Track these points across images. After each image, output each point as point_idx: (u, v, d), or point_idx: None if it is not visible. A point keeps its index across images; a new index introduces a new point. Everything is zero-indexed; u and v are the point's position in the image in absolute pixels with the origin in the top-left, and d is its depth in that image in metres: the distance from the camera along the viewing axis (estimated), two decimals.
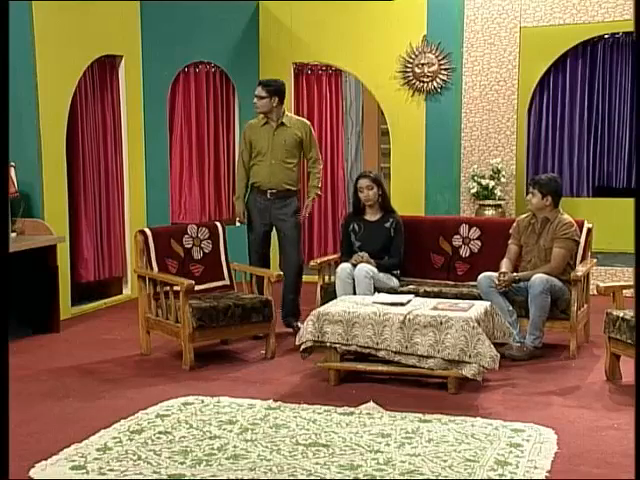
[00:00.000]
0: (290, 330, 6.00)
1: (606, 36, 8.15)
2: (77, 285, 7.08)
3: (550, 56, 7.82)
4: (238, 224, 7.07)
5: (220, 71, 8.45)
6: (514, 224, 5.79)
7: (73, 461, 3.61)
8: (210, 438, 3.89)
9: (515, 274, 5.52)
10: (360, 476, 3.43)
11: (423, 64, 7.94)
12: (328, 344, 4.84)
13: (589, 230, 5.78)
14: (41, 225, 6.25)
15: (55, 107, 6.57)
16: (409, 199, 7.86)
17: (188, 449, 3.75)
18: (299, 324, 5.66)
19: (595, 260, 6.02)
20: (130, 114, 7.52)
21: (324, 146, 8.87)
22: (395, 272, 5.92)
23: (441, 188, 8.03)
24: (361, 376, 4.89)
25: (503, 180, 7.73)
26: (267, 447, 3.76)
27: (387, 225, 5.95)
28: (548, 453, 3.68)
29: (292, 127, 6.00)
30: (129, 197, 7.57)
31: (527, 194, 5.81)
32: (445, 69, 7.93)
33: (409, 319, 4.68)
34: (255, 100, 5.96)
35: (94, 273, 7.18)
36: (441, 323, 4.62)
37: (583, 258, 5.71)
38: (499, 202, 7.72)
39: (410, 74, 8.01)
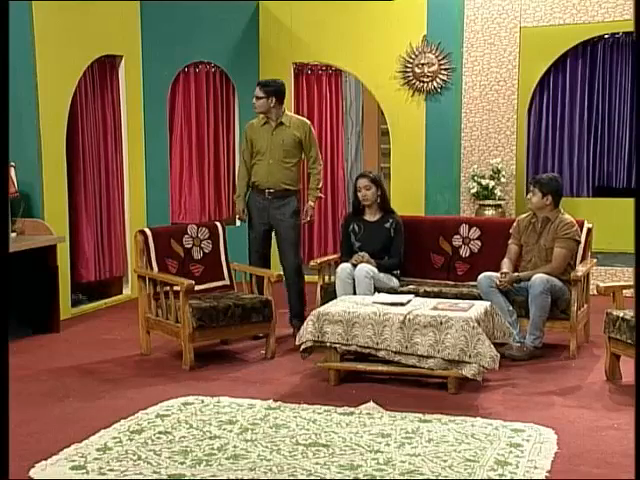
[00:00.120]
0: (290, 330, 6.00)
1: (606, 36, 8.14)
2: (77, 285, 7.09)
3: (550, 56, 7.82)
4: (238, 224, 7.08)
5: (220, 71, 8.45)
6: (514, 224, 5.79)
7: (73, 461, 3.61)
8: (210, 438, 3.89)
9: (516, 274, 5.52)
10: (360, 476, 3.43)
11: (423, 64, 7.94)
12: (328, 344, 4.84)
13: (589, 230, 5.78)
14: (41, 225, 6.25)
15: (55, 107, 6.57)
16: (409, 199, 7.86)
17: (188, 449, 3.75)
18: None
19: (595, 260, 6.02)
20: (130, 114, 7.52)
21: (324, 146, 8.87)
22: (395, 272, 5.92)
23: (441, 188, 8.03)
24: (361, 376, 4.89)
25: (503, 180, 7.73)
26: (267, 447, 3.76)
27: (387, 225, 5.95)
28: (548, 453, 3.68)
29: (291, 127, 5.99)
30: (129, 197, 7.57)
31: (527, 193, 5.81)
32: (445, 69, 7.93)
33: (409, 319, 4.68)
34: (254, 100, 5.98)
35: (94, 273, 7.19)
36: (441, 323, 4.62)
37: (583, 258, 5.71)
38: (499, 202, 7.72)
39: (410, 74, 8.01)
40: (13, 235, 6.02)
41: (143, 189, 7.74)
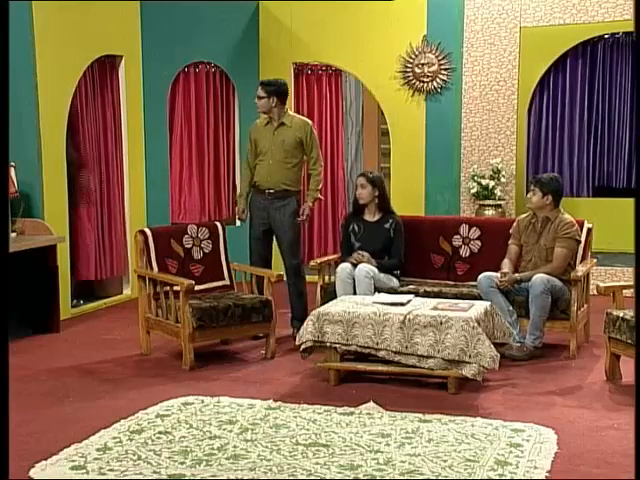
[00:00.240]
0: (290, 330, 5.99)
1: (606, 36, 8.13)
2: (78, 284, 7.09)
3: (550, 56, 7.82)
4: (238, 223, 7.07)
5: (220, 71, 8.44)
6: (514, 224, 5.79)
7: (73, 461, 3.61)
8: (210, 438, 3.89)
9: (517, 275, 5.51)
10: (360, 476, 3.43)
11: (423, 64, 7.94)
12: (328, 344, 4.84)
13: (589, 230, 5.78)
14: (41, 225, 6.25)
15: (55, 107, 6.57)
16: (409, 199, 7.86)
17: (188, 449, 3.75)
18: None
19: (595, 260, 6.02)
20: (130, 114, 7.52)
21: (324, 146, 8.86)
22: (395, 272, 5.92)
23: (441, 188, 8.03)
24: (361, 376, 4.89)
25: (503, 180, 7.73)
26: (267, 447, 3.77)
27: (387, 226, 5.95)
28: (548, 453, 3.69)
29: (293, 127, 5.98)
30: (129, 197, 7.57)
31: (527, 193, 5.81)
32: (445, 69, 7.93)
33: (409, 319, 4.68)
34: (255, 100, 5.98)
35: (95, 272, 7.19)
36: (441, 323, 4.62)
37: (583, 258, 5.71)
38: (499, 202, 7.72)
39: (410, 74, 8.01)
40: (13, 235, 6.02)
41: (143, 189, 7.75)
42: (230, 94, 8.56)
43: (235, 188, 8.64)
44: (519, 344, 5.35)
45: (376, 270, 5.68)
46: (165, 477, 3.44)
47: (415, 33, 7.95)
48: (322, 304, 5.36)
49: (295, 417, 4.19)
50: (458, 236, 6.14)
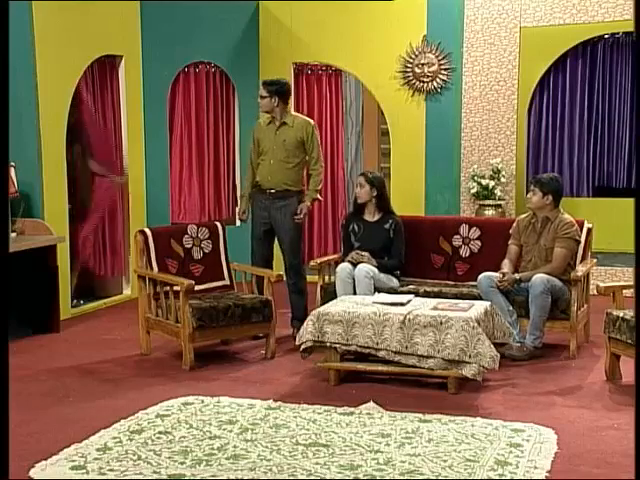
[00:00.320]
0: (290, 331, 5.99)
1: (606, 36, 8.13)
2: (77, 286, 7.10)
3: (550, 56, 7.82)
4: (238, 223, 7.06)
5: (220, 71, 8.44)
6: (514, 224, 5.79)
7: (73, 461, 3.61)
8: (210, 438, 3.89)
9: (517, 275, 5.51)
10: (360, 476, 3.43)
11: (423, 64, 7.94)
12: (328, 344, 4.84)
13: (589, 230, 5.78)
14: (41, 225, 6.25)
15: (55, 107, 6.57)
16: (409, 199, 7.86)
17: (188, 449, 3.75)
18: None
19: (595, 260, 6.02)
20: (130, 114, 7.52)
21: (324, 146, 8.84)
22: (395, 273, 5.92)
23: (441, 188, 8.03)
24: (361, 376, 4.89)
25: (503, 180, 7.73)
26: (267, 447, 3.77)
27: (386, 227, 5.95)
28: (548, 453, 3.69)
29: (294, 127, 5.98)
30: (129, 197, 7.56)
31: (527, 193, 5.81)
32: (445, 69, 7.93)
33: (409, 319, 4.68)
34: (258, 99, 5.99)
35: (95, 272, 7.19)
36: (441, 323, 4.62)
37: (583, 258, 5.71)
38: (499, 202, 7.72)
39: (410, 74, 8.01)
40: (13, 235, 6.02)
41: (143, 189, 7.74)
42: (230, 94, 8.56)
43: (235, 188, 8.65)
44: (519, 344, 5.35)
45: (376, 270, 5.68)
46: (165, 477, 3.44)
47: (415, 33, 7.95)
48: (322, 304, 5.36)
49: (295, 417, 4.19)
50: (458, 236, 6.14)
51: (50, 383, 4.92)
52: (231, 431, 3.99)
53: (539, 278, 5.33)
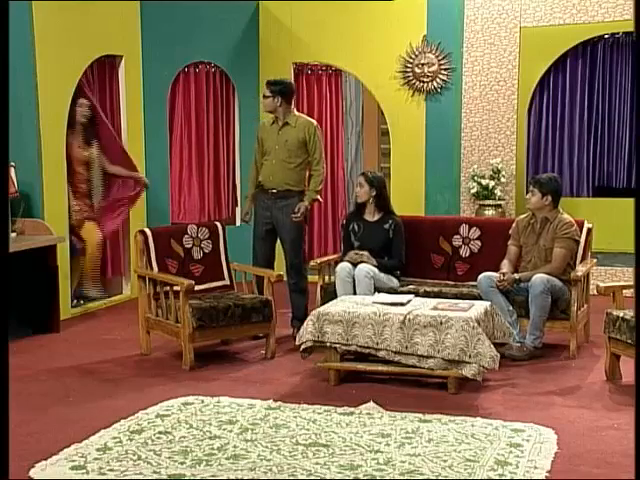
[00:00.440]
0: (290, 331, 5.99)
1: (606, 36, 8.13)
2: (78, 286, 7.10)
3: (550, 56, 7.82)
4: (239, 223, 7.06)
5: (220, 71, 8.45)
6: (513, 225, 5.79)
7: (73, 461, 3.61)
8: (210, 438, 3.90)
9: (516, 275, 5.51)
10: (360, 476, 3.43)
11: (423, 64, 7.94)
12: (328, 344, 4.84)
13: (589, 230, 5.78)
14: (41, 225, 6.25)
15: (55, 107, 6.57)
16: (409, 199, 7.86)
17: (188, 449, 3.75)
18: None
19: (595, 260, 6.02)
20: (130, 114, 7.52)
21: (324, 146, 8.85)
22: (396, 273, 5.92)
23: (441, 188, 8.03)
24: (361, 376, 4.89)
25: (503, 180, 7.73)
26: (267, 447, 3.77)
27: (386, 227, 5.95)
28: (548, 453, 3.69)
29: (297, 127, 5.97)
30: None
31: (527, 193, 5.81)
32: (445, 69, 7.93)
33: (409, 319, 4.68)
34: (262, 99, 6.00)
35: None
36: (441, 323, 4.62)
37: (583, 258, 5.71)
38: (499, 202, 7.72)
39: (410, 74, 8.01)
40: (13, 235, 6.02)
41: (143, 189, 7.73)
42: (230, 94, 8.56)
43: (235, 188, 8.65)
44: (519, 344, 5.35)
45: (376, 270, 5.68)
46: (165, 477, 3.44)
47: (415, 33, 7.95)
48: (322, 304, 5.36)
49: (295, 417, 4.19)
50: (458, 236, 6.14)
51: (50, 383, 4.92)
52: (231, 431, 3.99)
53: (539, 278, 5.33)
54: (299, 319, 5.88)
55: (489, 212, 7.69)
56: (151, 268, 5.54)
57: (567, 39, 7.75)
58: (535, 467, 3.53)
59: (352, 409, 4.32)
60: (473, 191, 7.75)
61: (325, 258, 6.23)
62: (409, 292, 5.52)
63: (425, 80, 7.96)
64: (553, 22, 7.65)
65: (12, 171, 6.02)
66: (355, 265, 5.70)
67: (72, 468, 3.53)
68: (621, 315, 4.71)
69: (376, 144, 10.29)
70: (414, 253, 6.09)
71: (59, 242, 6.27)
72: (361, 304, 4.98)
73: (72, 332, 6.30)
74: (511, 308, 5.43)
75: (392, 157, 8.31)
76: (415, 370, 4.71)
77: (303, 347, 4.92)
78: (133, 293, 7.19)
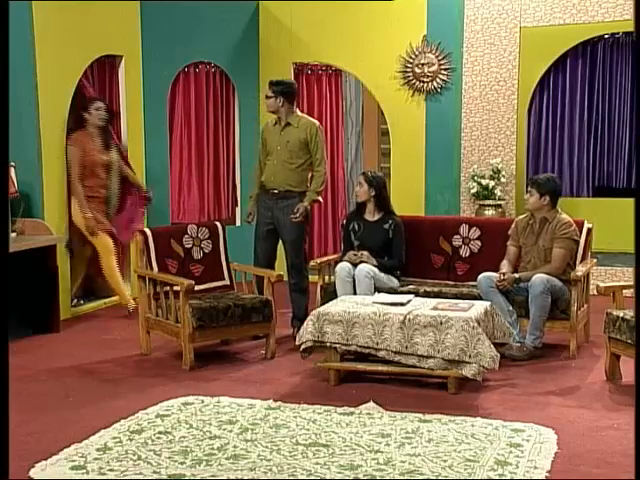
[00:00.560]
0: (290, 331, 5.99)
1: (606, 36, 8.14)
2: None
3: (550, 56, 7.82)
4: (239, 223, 7.06)
5: (220, 71, 8.45)
6: (512, 225, 5.79)
7: (73, 461, 3.61)
8: (210, 438, 3.90)
9: (516, 274, 5.52)
10: (360, 476, 3.43)
11: (423, 64, 7.94)
12: (328, 344, 4.84)
13: (589, 230, 5.78)
14: (41, 225, 6.25)
15: (55, 107, 6.57)
16: (409, 199, 7.86)
17: (188, 449, 3.75)
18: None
19: (595, 260, 6.02)
20: (130, 114, 7.52)
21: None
22: (396, 273, 5.92)
23: (441, 188, 8.03)
24: (361, 376, 4.89)
25: (503, 180, 7.73)
26: (267, 447, 3.77)
27: (386, 227, 5.95)
28: (548, 453, 3.69)
29: (299, 128, 5.97)
30: None
31: (526, 193, 5.82)
32: (445, 69, 7.93)
33: (409, 319, 4.68)
34: (265, 99, 6.03)
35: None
36: (441, 323, 4.62)
37: (583, 258, 5.71)
38: (499, 202, 7.72)
39: (410, 74, 8.01)
40: (13, 235, 6.02)
41: (143, 189, 7.73)
42: (230, 94, 8.56)
43: (235, 188, 8.65)
44: (519, 344, 5.35)
45: (376, 270, 5.68)
46: (165, 477, 3.44)
47: (415, 33, 7.95)
48: (322, 304, 5.36)
49: (295, 417, 4.19)
50: (458, 236, 6.14)
51: (50, 383, 4.92)
52: (231, 431, 3.99)
53: (539, 278, 5.33)
54: (299, 319, 5.88)
55: (489, 212, 7.69)
56: (151, 268, 5.54)
57: (567, 39, 7.75)
58: (535, 467, 3.53)
59: (352, 409, 4.32)
60: (473, 191, 7.75)
61: (325, 258, 6.23)
62: (409, 292, 5.52)
63: (425, 80, 7.96)
64: (553, 22, 7.65)
65: (12, 171, 6.02)
66: (355, 265, 5.70)
67: (72, 468, 3.53)
68: (621, 315, 4.71)
69: (376, 144, 10.29)
70: (414, 253, 6.09)
71: (59, 242, 6.27)
72: (361, 304, 4.98)
73: (72, 332, 6.30)
74: (511, 308, 5.43)
75: (392, 157, 8.31)
76: (415, 370, 4.71)
77: (303, 347, 4.92)
78: (133, 293, 7.18)
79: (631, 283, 5.10)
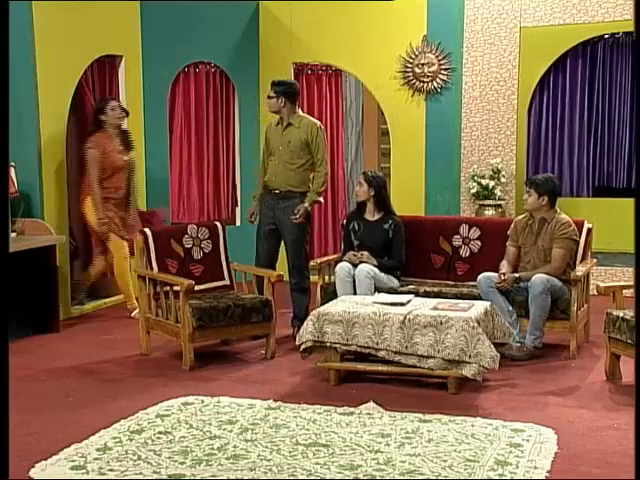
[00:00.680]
0: (290, 331, 5.99)
1: (606, 36, 8.13)
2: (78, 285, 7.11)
3: (550, 56, 7.83)
4: (239, 223, 7.06)
5: (220, 71, 8.45)
6: (511, 225, 5.78)
7: (73, 461, 3.61)
8: (210, 438, 3.90)
9: (516, 274, 5.52)
10: (360, 476, 3.43)
11: (423, 64, 7.94)
12: (328, 344, 4.84)
13: (589, 230, 5.78)
14: (41, 225, 6.25)
15: (55, 107, 6.57)
16: (409, 199, 7.86)
17: (188, 449, 3.75)
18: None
19: (595, 260, 6.02)
20: (130, 114, 7.50)
21: None
22: (396, 273, 5.92)
23: (441, 188, 8.03)
24: (361, 376, 4.89)
25: (503, 180, 7.73)
26: (267, 447, 3.77)
27: (386, 227, 5.95)
28: (548, 453, 3.69)
29: (300, 128, 5.97)
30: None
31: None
32: (445, 69, 7.93)
33: (409, 319, 4.68)
34: (267, 99, 6.03)
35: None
36: (441, 323, 4.62)
37: (583, 258, 5.71)
38: (499, 202, 7.72)
39: (410, 74, 8.01)
40: (13, 235, 6.02)
41: (143, 189, 7.73)
42: (230, 94, 8.56)
43: (235, 188, 8.65)
44: (519, 344, 5.35)
45: (377, 270, 5.68)
46: (165, 477, 3.44)
47: (415, 33, 7.95)
48: (322, 304, 5.36)
49: (295, 417, 4.19)
50: (458, 236, 6.14)
51: (50, 383, 4.92)
52: (231, 431, 3.99)
53: (539, 278, 5.33)
54: (300, 319, 5.87)
55: (489, 212, 7.70)
56: (151, 268, 5.54)
57: (567, 39, 7.75)
58: (535, 467, 3.53)
59: (352, 409, 4.32)
60: (473, 191, 7.75)
61: (325, 258, 6.23)
62: (409, 292, 5.52)
63: (425, 80, 7.96)
64: (553, 22, 7.65)
65: (12, 171, 6.02)
66: (355, 265, 5.70)
67: (72, 468, 3.53)
68: (621, 315, 4.71)
69: (376, 144, 10.29)
70: (414, 253, 6.09)
71: (59, 242, 6.27)
72: (361, 304, 4.98)
73: (72, 332, 6.30)
74: (511, 308, 5.43)
75: (392, 157, 8.31)
76: (415, 370, 4.71)
77: (303, 347, 4.93)
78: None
79: (631, 283, 5.10)
